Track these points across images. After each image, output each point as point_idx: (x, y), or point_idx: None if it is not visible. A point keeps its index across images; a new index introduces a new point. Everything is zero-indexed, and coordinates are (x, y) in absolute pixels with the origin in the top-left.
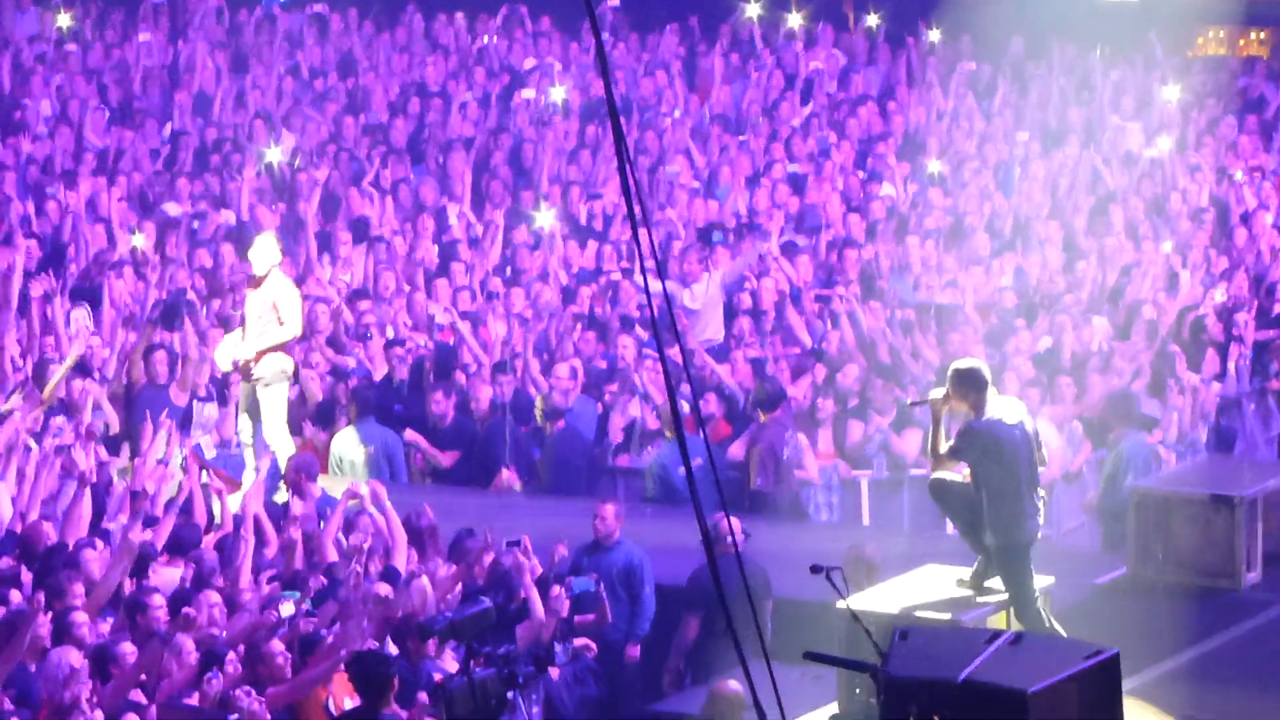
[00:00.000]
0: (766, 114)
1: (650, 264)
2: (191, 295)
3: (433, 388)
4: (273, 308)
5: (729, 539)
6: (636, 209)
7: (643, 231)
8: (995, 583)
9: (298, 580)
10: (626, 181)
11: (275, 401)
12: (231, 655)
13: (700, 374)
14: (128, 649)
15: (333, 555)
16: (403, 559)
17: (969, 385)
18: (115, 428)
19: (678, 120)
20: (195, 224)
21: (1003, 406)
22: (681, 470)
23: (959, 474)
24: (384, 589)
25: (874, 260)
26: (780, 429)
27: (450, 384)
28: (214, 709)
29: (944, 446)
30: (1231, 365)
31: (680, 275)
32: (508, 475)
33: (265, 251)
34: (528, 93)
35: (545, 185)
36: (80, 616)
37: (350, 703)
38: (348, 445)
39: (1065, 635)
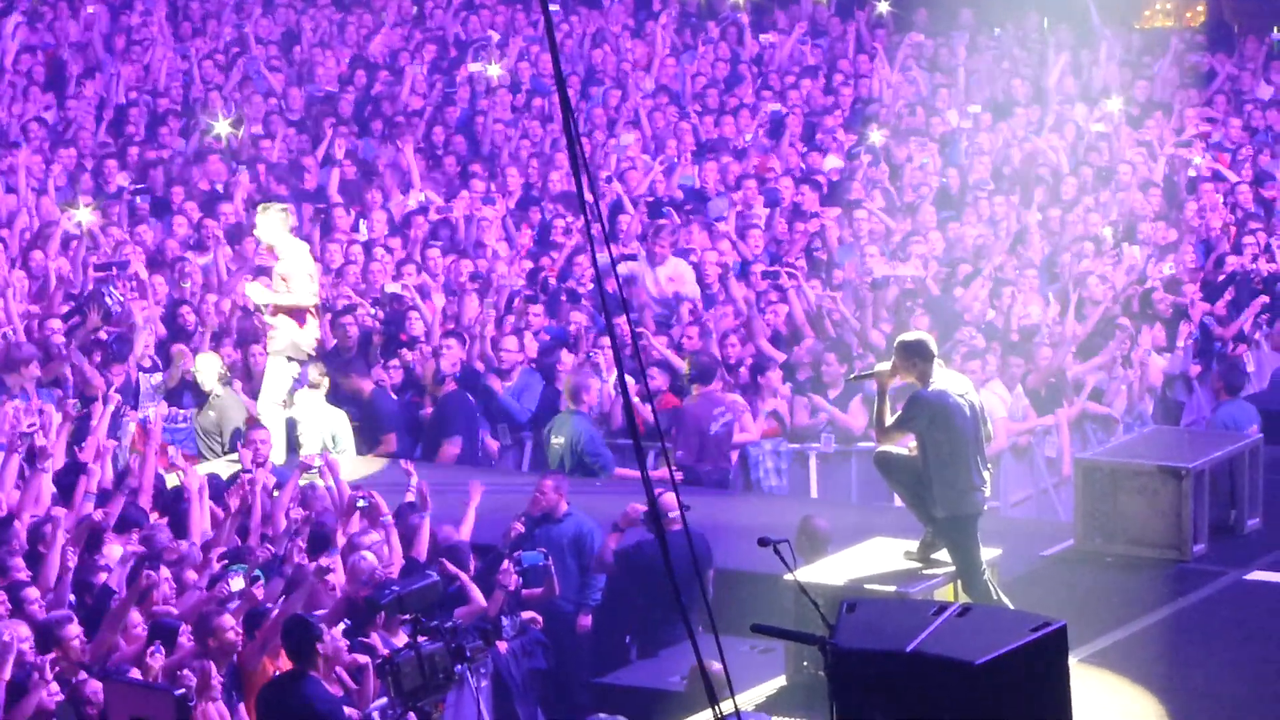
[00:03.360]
0: (714, 86)
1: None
2: (138, 269)
3: (379, 359)
4: (282, 279)
5: (670, 514)
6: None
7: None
8: (943, 555)
9: (245, 553)
10: (575, 155)
11: (275, 373)
12: (184, 629)
13: (645, 349)
14: (73, 629)
15: (281, 527)
16: (349, 530)
17: (915, 356)
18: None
19: (625, 93)
20: (138, 199)
21: (948, 379)
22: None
23: (905, 447)
24: (326, 560)
25: (821, 233)
26: (709, 405)
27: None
28: (161, 682)
29: (890, 419)
30: (1180, 339)
31: (649, 256)
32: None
33: (268, 223)
34: (474, 65)
35: (500, 158)
36: (32, 592)
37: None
38: (298, 418)
39: (1012, 607)
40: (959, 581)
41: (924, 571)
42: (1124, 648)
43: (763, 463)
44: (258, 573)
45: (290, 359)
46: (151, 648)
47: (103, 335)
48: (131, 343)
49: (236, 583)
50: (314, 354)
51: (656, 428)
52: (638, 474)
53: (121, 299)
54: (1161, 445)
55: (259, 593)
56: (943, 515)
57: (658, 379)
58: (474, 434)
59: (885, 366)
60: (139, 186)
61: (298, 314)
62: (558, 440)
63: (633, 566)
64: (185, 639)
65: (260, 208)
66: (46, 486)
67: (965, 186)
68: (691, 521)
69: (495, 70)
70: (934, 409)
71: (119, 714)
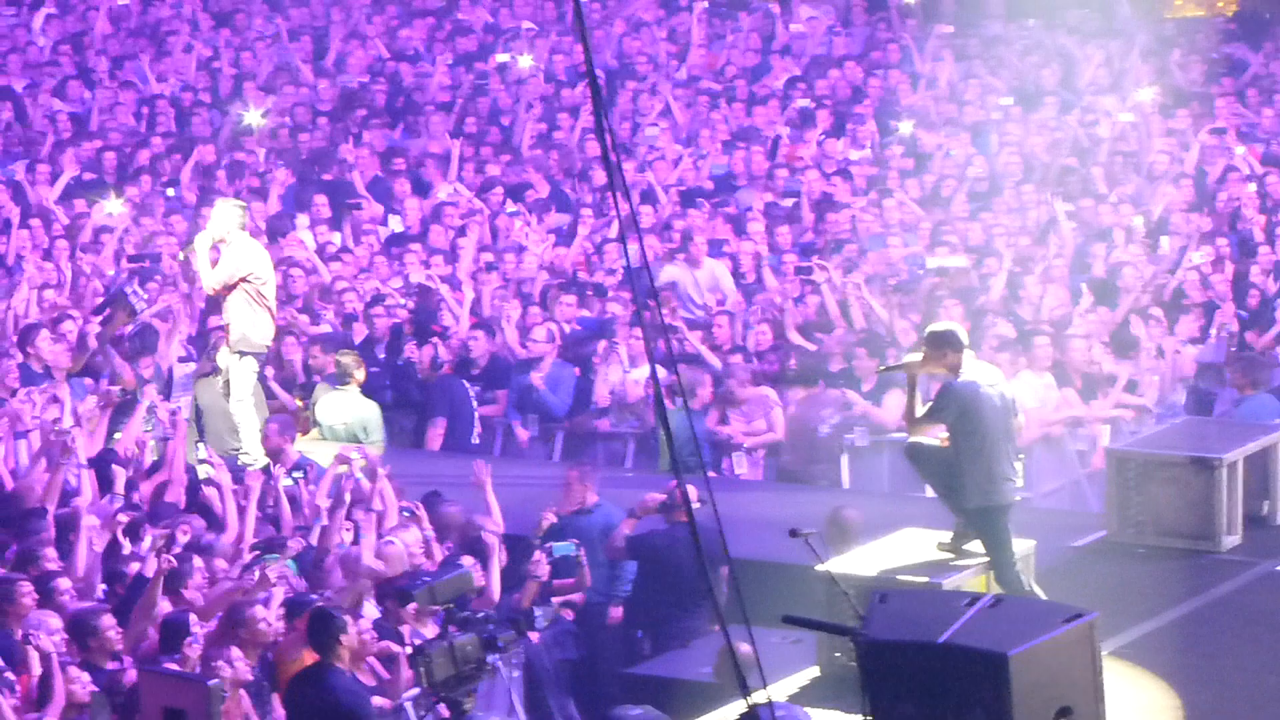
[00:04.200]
0: (745, 76)
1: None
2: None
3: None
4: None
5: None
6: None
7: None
8: (974, 546)
9: (276, 544)
10: (605, 148)
11: (243, 373)
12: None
13: (681, 345)
14: (108, 620)
15: (321, 518)
16: (389, 523)
17: (946, 346)
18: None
19: (657, 83)
20: (170, 190)
21: (979, 370)
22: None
23: (936, 438)
24: (357, 553)
25: (852, 224)
26: (816, 406)
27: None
28: (195, 672)
29: (920, 410)
30: (1213, 329)
31: (686, 260)
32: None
33: (221, 215)
34: (502, 57)
35: (525, 149)
36: (63, 582)
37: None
38: (331, 411)
39: (1045, 598)
40: (991, 572)
41: (955, 562)
42: (1155, 639)
43: None
44: (289, 563)
45: (244, 354)
46: (190, 638)
47: (127, 329)
48: (158, 334)
49: (273, 571)
50: (269, 347)
51: (691, 426)
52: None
53: (145, 296)
54: (1193, 436)
55: (272, 575)
56: (974, 506)
57: (700, 374)
58: (462, 419)
59: (915, 358)
60: (172, 179)
61: (249, 309)
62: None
63: (642, 556)
64: (199, 629)
65: (218, 201)
66: (86, 478)
67: (996, 177)
68: (706, 516)
69: (526, 61)
70: (964, 400)
71: (152, 704)
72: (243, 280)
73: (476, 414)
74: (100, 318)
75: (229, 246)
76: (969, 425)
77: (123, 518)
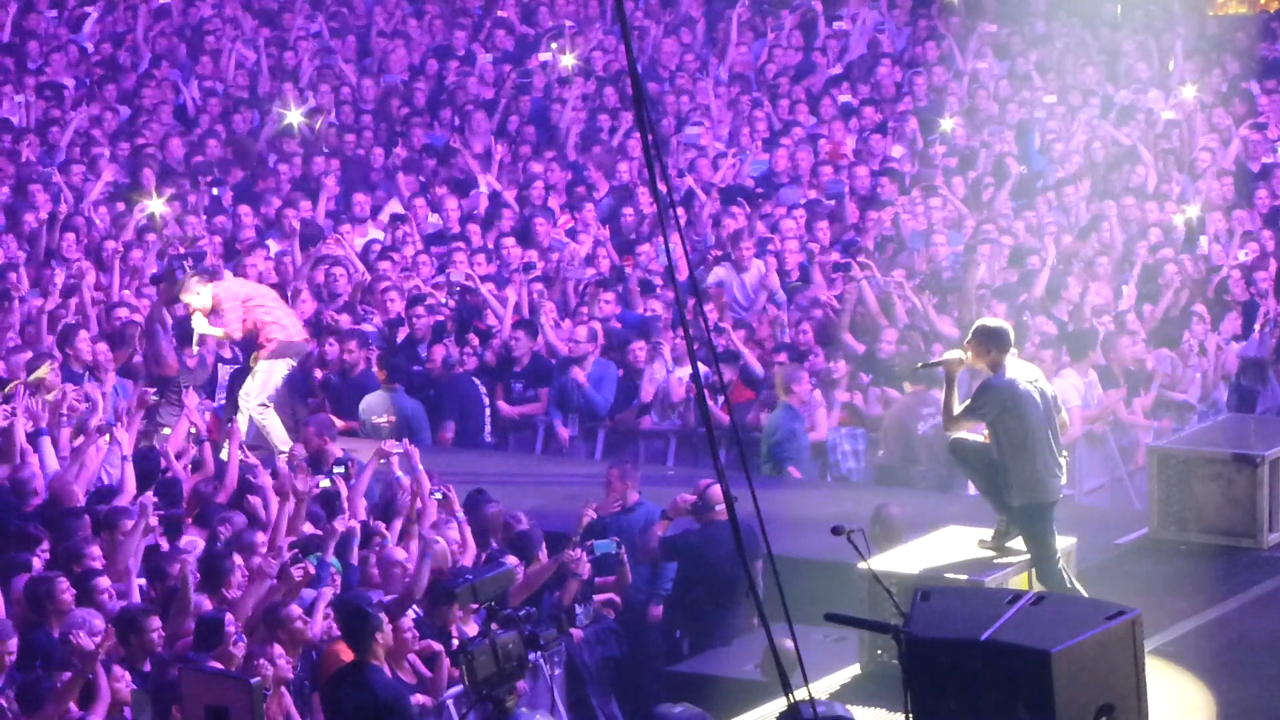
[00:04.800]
0: (786, 74)
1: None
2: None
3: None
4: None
5: (716, 506)
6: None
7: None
8: (1017, 543)
9: (316, 542)
10: (647, 147)
11: (271, 374)
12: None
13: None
14: (154, 621)
15: (360, 515)
16: (428, 521)
17: (992, 342)
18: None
19: (698, 81)
20: (214, 190)
21: (1018, 368)
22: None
23: (978, 434)
24: (400, 554)
25: (895, 222)
26: (918, 403)
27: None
28: (238, 670)
29: (958, 408)
30: (1256, 326)
31: (734, 261)
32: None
33: (189, 293)
34: (544, 55)
35: (569, 149)
36: (103, 581)
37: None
38: (375, 409)
39: (1087, 596)
40: (1033, 570)
41: (998, 560)
42: (1198, 636)
43: (840, 445)
44: (333, 560)
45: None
46: (233, 636)
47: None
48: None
49: (310, 569)
50: (308, 344)
51: (732, 420)
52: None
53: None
54: (1236, 433)
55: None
56: (1018, 503)
57: (729, 372)
58: (473, 419)
59: (954, 355)
60: (216, 177)
61: (275, 326)
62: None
63: (679, 557)
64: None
65: (179, 284)
66: (130, 474)
67: (1038, 174)
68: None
69: (568, 60)
70: (1004, 397)
71: (194, 703)
72: (248, 310)
73: (488, 413)
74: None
75: (214, 302)
76: (1010, 423)
77: (152, 519)
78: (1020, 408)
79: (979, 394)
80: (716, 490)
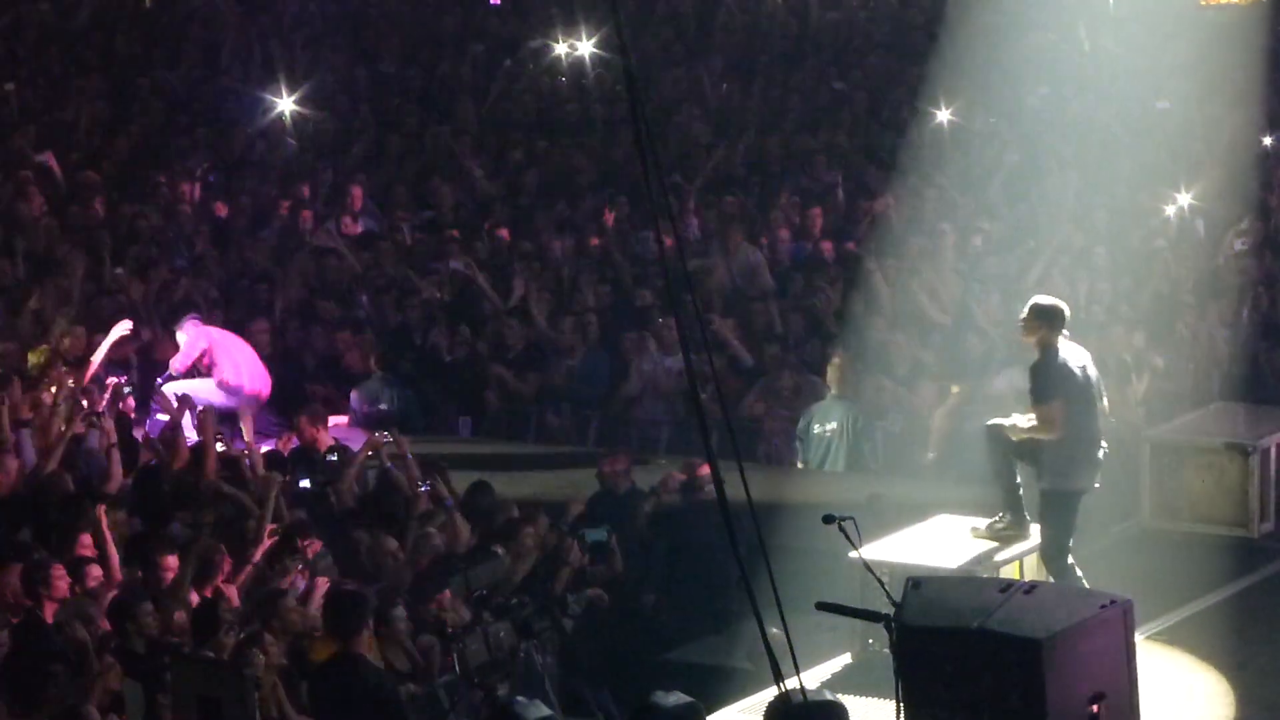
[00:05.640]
0: (779, 62)
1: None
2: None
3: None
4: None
5: (708, 487)
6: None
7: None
8: (1010, 534)
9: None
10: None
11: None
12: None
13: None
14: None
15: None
16: (418, 510)
17: (1044, 320)
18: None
19: (688, 70)
20: (210, 178)
21: (1071, 351)
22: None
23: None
24: (391, 543)
25: (886, 210)
26: (962, 404)
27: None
28: (230, 660)
29: (1025, 421)
30: (1245, 313)
31: (721, 247)
32: None
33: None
34: (535, 42)
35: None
36: (95, 570)
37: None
38: (368, 397)
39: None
40: (1043, 556)
41: (990, 548)
42: (1190, 624)
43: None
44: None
45: None
46: (226, 626)
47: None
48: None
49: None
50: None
51: (724, 413)
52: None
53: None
54: (1228, 421)
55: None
56: (1046, 486)
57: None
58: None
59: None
60: (208, 165)
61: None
62: (826, 427)
63: (667, 534)
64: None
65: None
66: (117, 461)
67: (1033, 165)
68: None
69: (557, 48)
70: (1054, 379)
71: (186, 692)
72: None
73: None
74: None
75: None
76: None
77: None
78: (1067, 392)
79: (1032, 378)
80: (706, 470)
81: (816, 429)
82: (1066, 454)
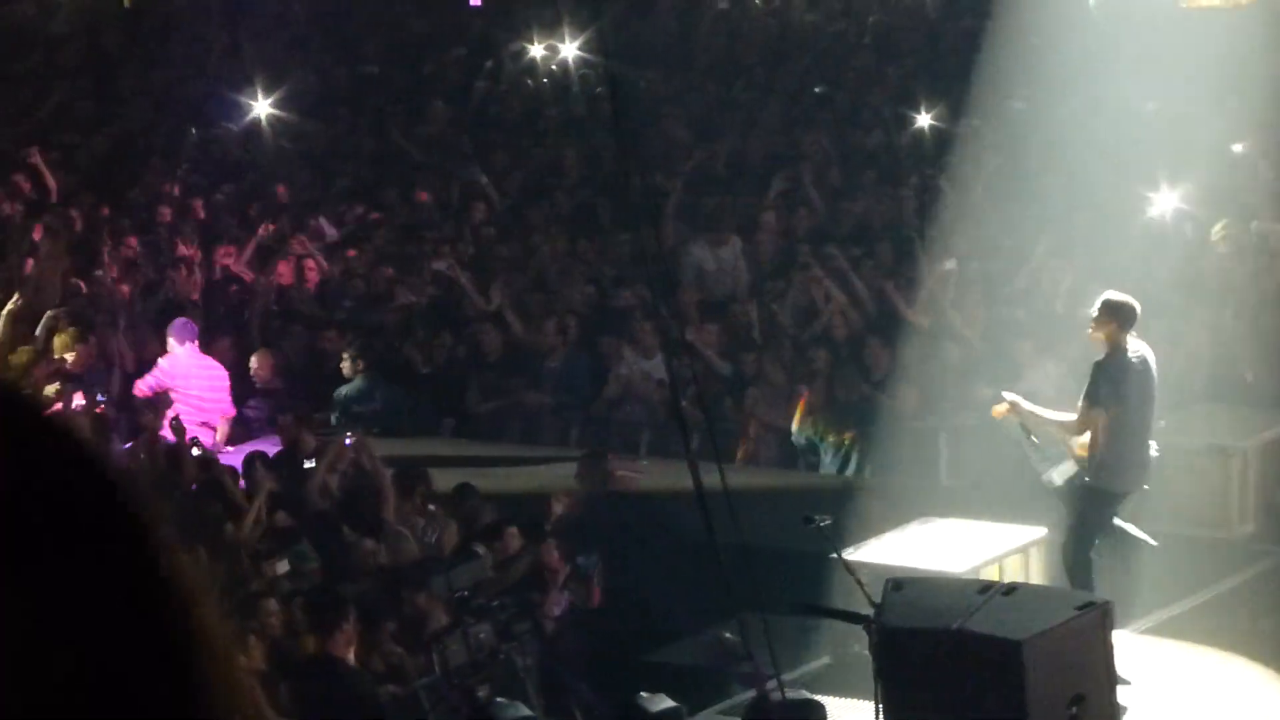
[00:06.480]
0: (760, 63)
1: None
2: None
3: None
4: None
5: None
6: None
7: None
8: (997, 532)
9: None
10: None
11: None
12: None
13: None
14: None
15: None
16: (389, 511)
17: (1112, 316)
18: None
19: (669, 70)
20: (191, 179)
21: (1139, 349)
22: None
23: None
24: (369, 544)
25: (867, 214)
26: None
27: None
28: None
29: (1071, 421)
30: (1228, 314)
31: (706, 241)
32: None
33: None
34: (516, 44)
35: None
36: None
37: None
38: (351, 398)
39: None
40: (1062, 547)
41: (970, 550)
42: (1171, 626)
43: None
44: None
45: None
46: None
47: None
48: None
49: (282, 565)
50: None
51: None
52: None
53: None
54: (1211, 423)
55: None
56: (1091, 482)
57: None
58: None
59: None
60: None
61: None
62: (833, 435)
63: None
64: None
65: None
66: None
67: (1017, 166)
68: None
69: (539, 49)
70: (1115, 378)
71: None
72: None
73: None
74: None
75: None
76: (1113, 406)
77: None
78: (1127, 393)
79: (1094, 376)
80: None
81: (830, 438)
82: (1117, 451)
